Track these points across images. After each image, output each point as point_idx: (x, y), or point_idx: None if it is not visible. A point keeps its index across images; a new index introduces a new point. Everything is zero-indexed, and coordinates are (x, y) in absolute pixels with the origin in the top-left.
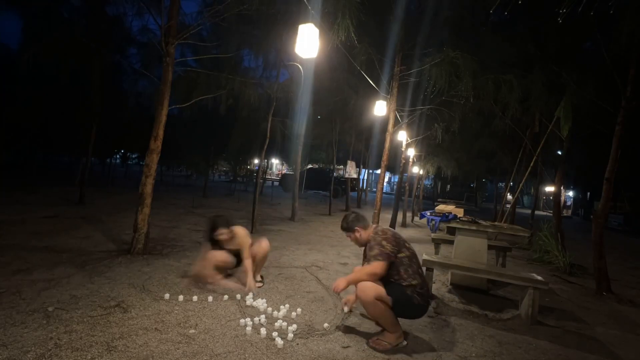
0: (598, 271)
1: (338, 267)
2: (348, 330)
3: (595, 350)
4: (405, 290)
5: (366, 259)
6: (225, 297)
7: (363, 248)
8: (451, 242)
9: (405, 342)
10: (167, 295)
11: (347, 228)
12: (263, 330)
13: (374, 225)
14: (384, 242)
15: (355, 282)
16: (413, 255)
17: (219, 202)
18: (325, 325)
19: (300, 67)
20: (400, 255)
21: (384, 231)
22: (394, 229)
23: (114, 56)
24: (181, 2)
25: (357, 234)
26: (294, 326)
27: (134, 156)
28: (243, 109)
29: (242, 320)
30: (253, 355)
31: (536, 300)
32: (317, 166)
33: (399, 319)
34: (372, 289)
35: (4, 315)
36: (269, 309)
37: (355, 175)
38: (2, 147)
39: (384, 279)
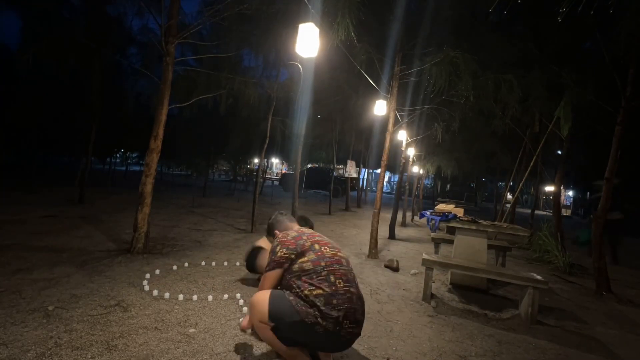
0: (598, 271)
1: None
2: None
3: (594, 350)
4: (294, 308)
5: None
6: (225, 296)
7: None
8: (451, 242)
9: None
10: (167, 294)
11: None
12: None
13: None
14: (277, 249)
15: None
16: (330, 262)
17: (219, 202)
18: None
19: (300, 67)
20: (301, 261)
21: (285, 233)
22: (394, 228)
23: (114, 56)
24: (181, 2)
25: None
26: None
27: (134, 156)
28: (243, 108)
29: (242, 320)
30: (253, 355)
31: (536, 299)
32: (317, 166)
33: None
34: (257, 311)
35: (4, 314)
36: None
37: (355, 175)
38: (2, 147)
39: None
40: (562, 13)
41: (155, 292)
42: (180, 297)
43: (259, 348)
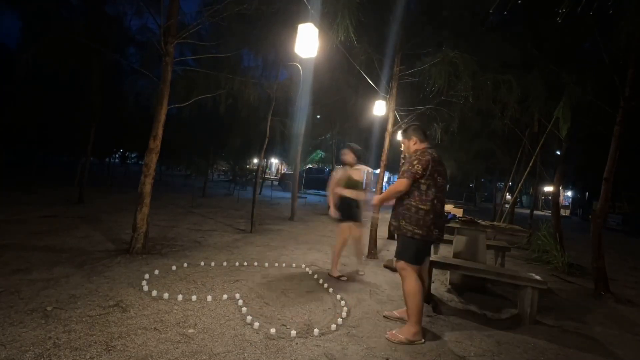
0: (596, 271)
1: (338, 267)
2: (348, 330)
3: (593, 349)
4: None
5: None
6: (225, 296)
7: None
8: (450, 242)
9: (423, 341)
10: (166, 295)
11: (405, 134)
12: (262, 330)
13: (426, 145)
14: (415, 162)
15: (386, 198)
16: (440, 188)
17: (218, 202)
18: (332, 326)
19: (299, 67)
20: (424, 180)
21: (422, 153)
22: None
23: (114, 56)
24: (180, 2)
25: (412, 142)
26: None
27: (133, 155)
28: (242, 108)
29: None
30: (252, 355)
31: (535, 299)
32: (316, 166)
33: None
34: (417, 286)
35: (3, 314)
36: (268, 308)
37: None
38: (2, 147)
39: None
40: (561, 13)
41: (154, 293)
42: (179, 297)
43: (258, 348)
